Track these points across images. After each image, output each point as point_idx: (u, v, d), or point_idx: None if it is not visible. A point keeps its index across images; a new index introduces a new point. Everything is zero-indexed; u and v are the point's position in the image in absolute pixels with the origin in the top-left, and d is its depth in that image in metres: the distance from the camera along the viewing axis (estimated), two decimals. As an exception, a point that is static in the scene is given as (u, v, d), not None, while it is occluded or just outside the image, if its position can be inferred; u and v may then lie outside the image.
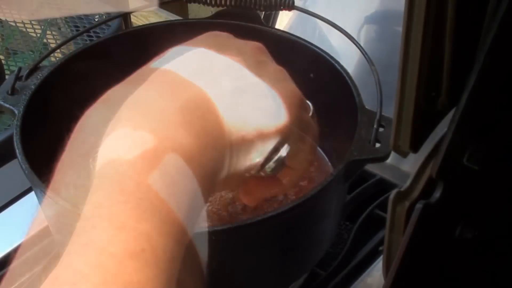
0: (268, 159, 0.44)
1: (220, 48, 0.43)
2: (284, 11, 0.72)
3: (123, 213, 0.33)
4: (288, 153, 0.44)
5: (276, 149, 0.44)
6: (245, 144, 0.41)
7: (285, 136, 0.43)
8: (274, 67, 0.45)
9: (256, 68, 0.43)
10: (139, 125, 0.37)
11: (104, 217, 0.33)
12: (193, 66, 0.42)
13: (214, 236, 0.53)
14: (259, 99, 0.42)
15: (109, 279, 0.31)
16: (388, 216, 0.45)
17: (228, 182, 0.43)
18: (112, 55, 0.71)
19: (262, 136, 0.42)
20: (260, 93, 0.43)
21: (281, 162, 0.44)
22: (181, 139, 0.37)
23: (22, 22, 1.08)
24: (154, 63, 0.43)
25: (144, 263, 0.32)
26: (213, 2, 0.70)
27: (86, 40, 0.96)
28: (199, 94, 0.40)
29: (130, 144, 0.36)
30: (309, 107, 0.47)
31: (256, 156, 0.42)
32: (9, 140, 0.61)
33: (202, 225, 0.36)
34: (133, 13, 1.17)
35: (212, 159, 0.39)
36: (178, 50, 0.43)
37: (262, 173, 0.45)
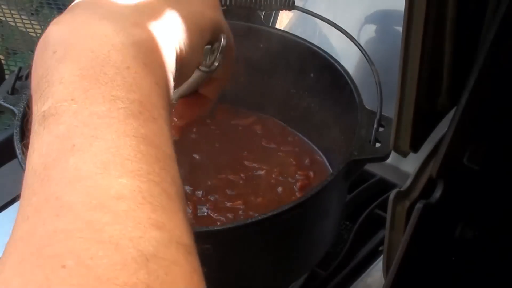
0: (209, 52, 0.46)
1: None
2: (284, 11, 0.72)
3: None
4: (224, 45, 0.46)
5: (215, 41, 0.46)
6: (191, 32, 0.42)
7: (220, 26, 0.46)
8: None
9: None
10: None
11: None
12: None
13: (214, 236, 0.53)
14: None
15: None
16: (388, 216, 0.45)
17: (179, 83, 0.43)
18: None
19: (205, 24, 0.44)
20: None
21: (221, 55, 0.47)
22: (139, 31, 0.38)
23: (22, 22, 1.08)
24: None
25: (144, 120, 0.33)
26: (213, 2, 0.70)
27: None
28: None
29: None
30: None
31: (201, 44, 0.44)
32: (9, 140, 0.61)
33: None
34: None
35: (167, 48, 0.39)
36: None
37: (203, 69, 0.46)
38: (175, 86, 0.40)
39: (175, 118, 0.52)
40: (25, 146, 0.34)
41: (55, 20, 0.38)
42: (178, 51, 0.40)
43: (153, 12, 0.39)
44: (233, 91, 0.69)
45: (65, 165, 0.30)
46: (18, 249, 0.29)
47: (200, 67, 0.46)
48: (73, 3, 0.40)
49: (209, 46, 0.46)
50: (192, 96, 0.49)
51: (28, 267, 0.27)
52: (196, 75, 0.47)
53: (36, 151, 0.32)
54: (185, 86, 0.48)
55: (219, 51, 0.46)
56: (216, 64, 0.47)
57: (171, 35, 0.40)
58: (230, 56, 0.49)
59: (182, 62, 0.41)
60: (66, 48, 0.36)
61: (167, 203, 0.31)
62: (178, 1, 0.42)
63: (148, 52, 0.37)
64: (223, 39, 0.46)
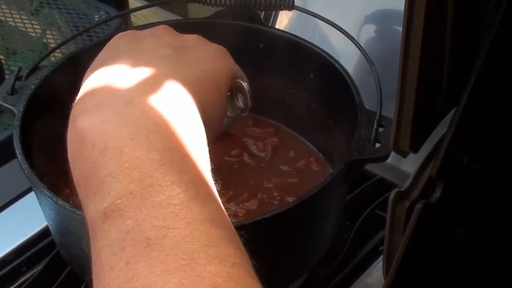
0: (230, 99, 0.47)
1: (135, 39, 0.46)
2: (284, 11, 0.72)
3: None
4: (248, 88, 0.47)
5: (234, 89, 0.47)
6: (208, 91, 0.43)
7: (234, 73, 0.47)
8: (190, 35, 0.48)
9: (178, 38, 0.46)
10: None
11: None
12: (122, 53, 0.44)
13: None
14: (200, 52, 0.45)
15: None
16: (388, 216, 0.45)
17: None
18: (112, 55, 0.71)
19: (219, 79, 0.44)
20: (196, 48, 0.46)
21: (248, 98, 0.48)
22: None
23: (22, 22, 1.08)
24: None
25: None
26: (213, 2, 0.70)
27: (86, 40, 0.96)
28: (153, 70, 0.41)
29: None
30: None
31: (222, 98, 0.45)
32: (9, 140, 0.61)
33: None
34: (133, 13, 1.16)
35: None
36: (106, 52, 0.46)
37: (229, 115, 0.47)
38: (208, 143, 0.41)
39: None
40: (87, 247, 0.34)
41: (80, 110, 0.38)
42: (202, 113, 0.41)
43: (169, 86, 0.40)
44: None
45: (148, 259, 0.30)
46: None
47: (229, 114, 0.47)
48: (85, 87, 0.40)
49: (228, 93, 0.47)
50: (221, 136, 0.51)
51: None
52: (225, 121, 0.48)
53: (106, 247, 0.32)
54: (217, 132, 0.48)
55: (248, 95, 0.47)
56: (246, 106, 0.48)
57: (193, 101, 0.40)
58: (247, 96, 0.49)
59: (208, 122, 0.41)
60: (105, 140, 0.35)
61: (252, 283, 0.33)
62: (190, 66, 0.43)
63: (181, 127, 0.37)
64: (244, 82, 0.46)
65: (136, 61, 0.41)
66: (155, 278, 0.30)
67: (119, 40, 0.46)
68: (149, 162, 0.34)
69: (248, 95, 0.47)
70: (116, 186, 0.33)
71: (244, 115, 0.48)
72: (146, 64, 0.41)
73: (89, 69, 0.43)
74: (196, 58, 0.44)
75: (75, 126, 0.38)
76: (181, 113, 0.38)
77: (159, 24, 0.77)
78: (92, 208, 0.34)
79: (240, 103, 0.48)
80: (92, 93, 0.39)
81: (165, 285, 0.29)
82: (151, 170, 0.34)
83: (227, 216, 0.35)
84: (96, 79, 0.41)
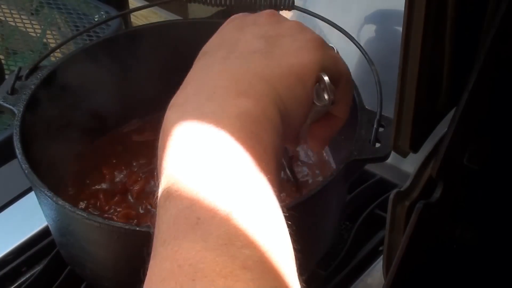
0: (317, 93, 0.47)
1: (240, 26, 0.48)
2: (284, 11, 0.72)
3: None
4: (329, 83, 0.46)
5: (319, 80, 0.46)
6: (292, 86, 0.44)
7: (323, 67, 0.46)
8: (289, 23, 0.49)
9: (276, 26, 0.48)
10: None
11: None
12: (225, 41, 0.47)
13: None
14: (291, 44, 0.46)
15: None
16: (388, 216, 0.45)
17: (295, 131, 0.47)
18: (112, 55, 0.71)
19: (304, 73, 0.45)
20: (289, 39, 0.47)
21: (330, 91, 0.47)
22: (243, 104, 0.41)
23: (22, 22, 1.08)
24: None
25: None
26: (213, 2, 0.70)
27: (86, 40, 0.96)
28: (242, 66, 0.44)
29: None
30: (334, 48, 0.50)
31: (307, 92, 0.45)
32: (9, 140, 0.61)
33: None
34: (133, 13, 1.16)
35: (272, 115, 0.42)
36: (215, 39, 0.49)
37: (317, 104, 0.47)
38: (288, 139, 0.44)
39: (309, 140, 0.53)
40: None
41: (172, 103, 0.42)
42: (283, 111, 0.43)
43: (251, 82, 0.42)
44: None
45: (194, 237, 0.34)
46: None
47: (317, 104, 0.47)
48: (185, 82, 0.44)
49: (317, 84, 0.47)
50: (324, 117, 0.50)
51: None
52: (316, 110, 0.48)
53: (164, 223, 0.36)
54: (312, 114, 0.48)
55: (325, 91, 0.46)
56: (328, 101, 0.47)
57: (272, 97, 0.42)
58: (345, 80, 0.49)
59: (290, 119, 0.44)
60: (180, 132, 0.39)
61: (286, 271, 0.35)
62: (277, 61, 0.45)
63: (252, 120, 0.40)
64: (325, 76, 0.46)
65: (229, 53, 0.45)
66: (194, 253, 0.33)
67: (227, 26, 0.49)
68: (212, 149, 0.38)
69: (328, 88, 0.46)
70: (181, 167, 0.37)
71: (331, 106, 0.47)
72: (236, 58, 0.44)
73: (199, 53, 0.47)
74: (286, 52, 0.45)
75: (165, 116, 0.42)
76: (255, 109, 0.41)
77: (160, 23, 0.77)
78: (160, 187, 0.38)
79: (325, 94, 0.47)
80: (184, 88, 0.43)
81: (201, 259, 0.33)
82: (212, 158, 0.37)
83: (276, 198, 0.38)
84: (193, 72, 0.45)
